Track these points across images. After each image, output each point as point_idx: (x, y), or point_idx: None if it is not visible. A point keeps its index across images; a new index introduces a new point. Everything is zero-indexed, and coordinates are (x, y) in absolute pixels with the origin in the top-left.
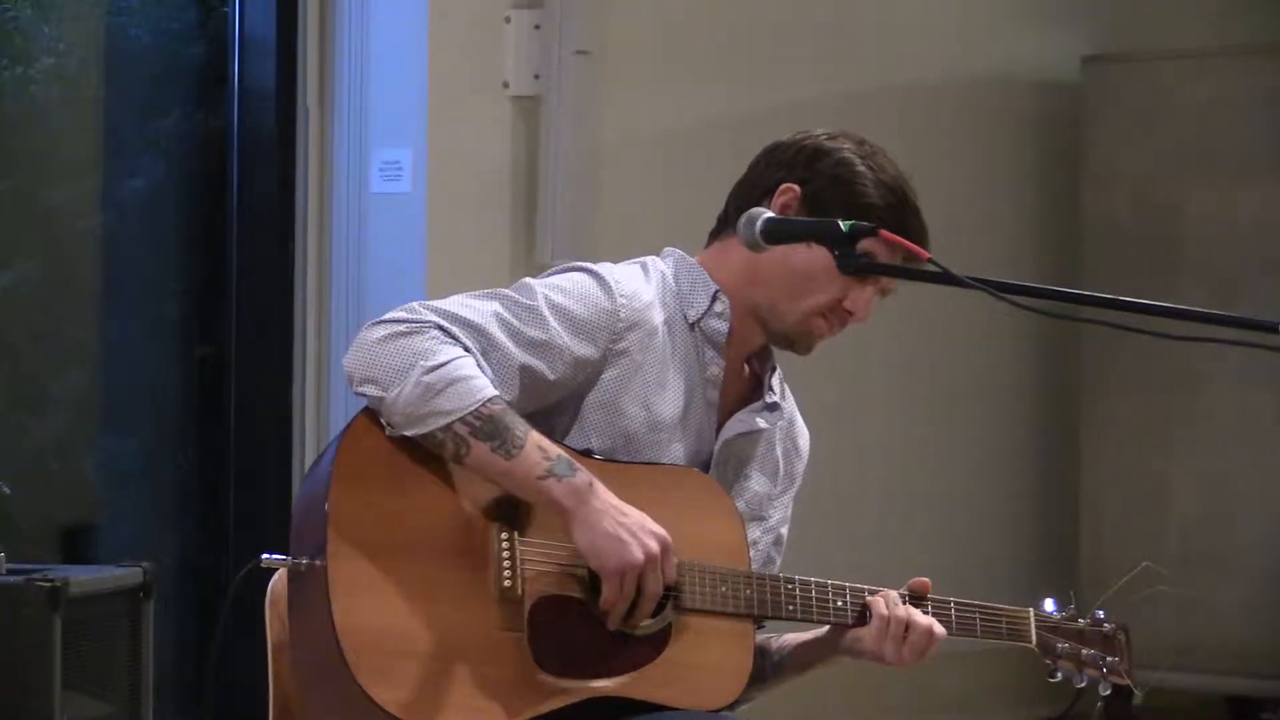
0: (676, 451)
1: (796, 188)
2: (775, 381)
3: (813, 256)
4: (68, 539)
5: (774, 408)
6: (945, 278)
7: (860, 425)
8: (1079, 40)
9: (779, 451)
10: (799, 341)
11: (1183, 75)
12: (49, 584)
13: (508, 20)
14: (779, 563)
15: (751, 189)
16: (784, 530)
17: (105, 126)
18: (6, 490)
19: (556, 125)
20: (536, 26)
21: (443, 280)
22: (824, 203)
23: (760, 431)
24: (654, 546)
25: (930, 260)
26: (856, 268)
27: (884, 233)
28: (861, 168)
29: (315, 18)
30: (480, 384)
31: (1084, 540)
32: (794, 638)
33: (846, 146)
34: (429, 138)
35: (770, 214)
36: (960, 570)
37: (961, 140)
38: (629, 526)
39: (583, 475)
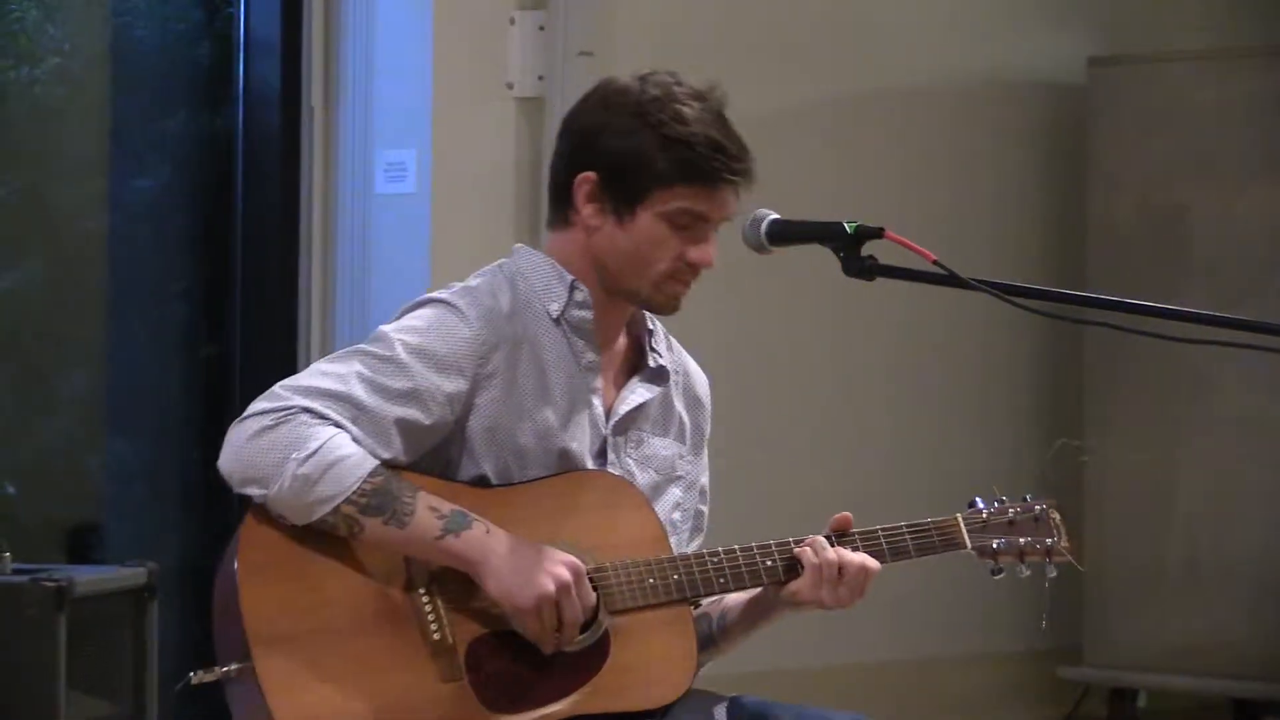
0: (573, 449)
1: (591, 175)
2: (659, 342)
3: (638, 230)
4: (73, 539)
5: (659, 371)
6: (950, 280)
7: (864, 427)
8: (1084, 42)
9: (680, 407)
10: (664, 306)
11: (1189, 77)
12: (54, 584)
13: (512, 22)
14: (707, 512)
15: (555, 178)
16: (704, 480)
17: (111, 127)
18: (12, 490)
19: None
20: (541, 28)
21: (447, 281)
22: (621, 180)
23: (648, 401)
24: (563, 574)
25: (935, 262)
26: (861, 270)
27: (889, 234)
28: (644, 123)
29: (320, 19)
30: (356, 461)
31: (1088, 543)
32: (735, 598)
33: (625, 98)
34: (433, 139)
35: (774, 216)
36: (965, 572)
37: (966, 142)
38: (535, 561)
39: (478, 526)
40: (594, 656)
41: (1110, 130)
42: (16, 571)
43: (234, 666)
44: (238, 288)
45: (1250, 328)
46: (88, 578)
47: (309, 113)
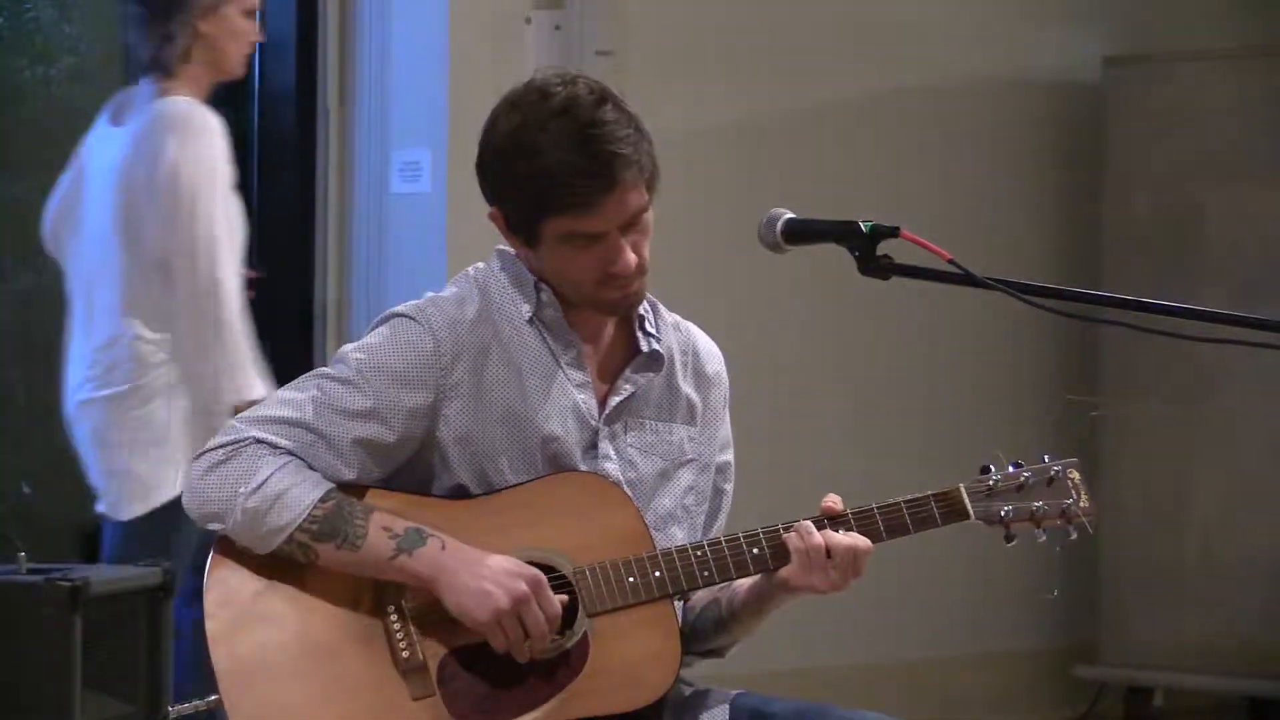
0: (558, 448)
1: (495, 210)
2: (659, 320)
3: (549, 255)
4: (88, 539)
5: (654, 356)
6: (966, 279)
7: (878, 427)
8: (1100, 42)
9: (687, 388)
10: (614, 308)
11: (1204, 77)
12: (69, 584)
13: (528, 21)
14: (730, 490)
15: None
16: (726, 457)
17: None
18: (27, 490)
19: None
20: (557, 27)
21: None
22: (512, 218)
23: (644, 389)
24: (519, 587)
25: (951, 261)
26: (877, 270)
27: (905, 233)
28: (511, 157)
29: (335, 19)
30: (303, 490)
31: (1104, 543)
32: (740, 583)
33: (496, 127)
34: (449, 138)
35: (790, 215)
36: (980, 572)
37: (982, 141)
38: (490, 575)
39: (433, 541)
40: (573, 661)
41: (1126, 130)
42: (32, 571)
43: (211, 698)
44: (253, 285)
45: (1267, 327)
46: (103, 577)
47: (324, 112)
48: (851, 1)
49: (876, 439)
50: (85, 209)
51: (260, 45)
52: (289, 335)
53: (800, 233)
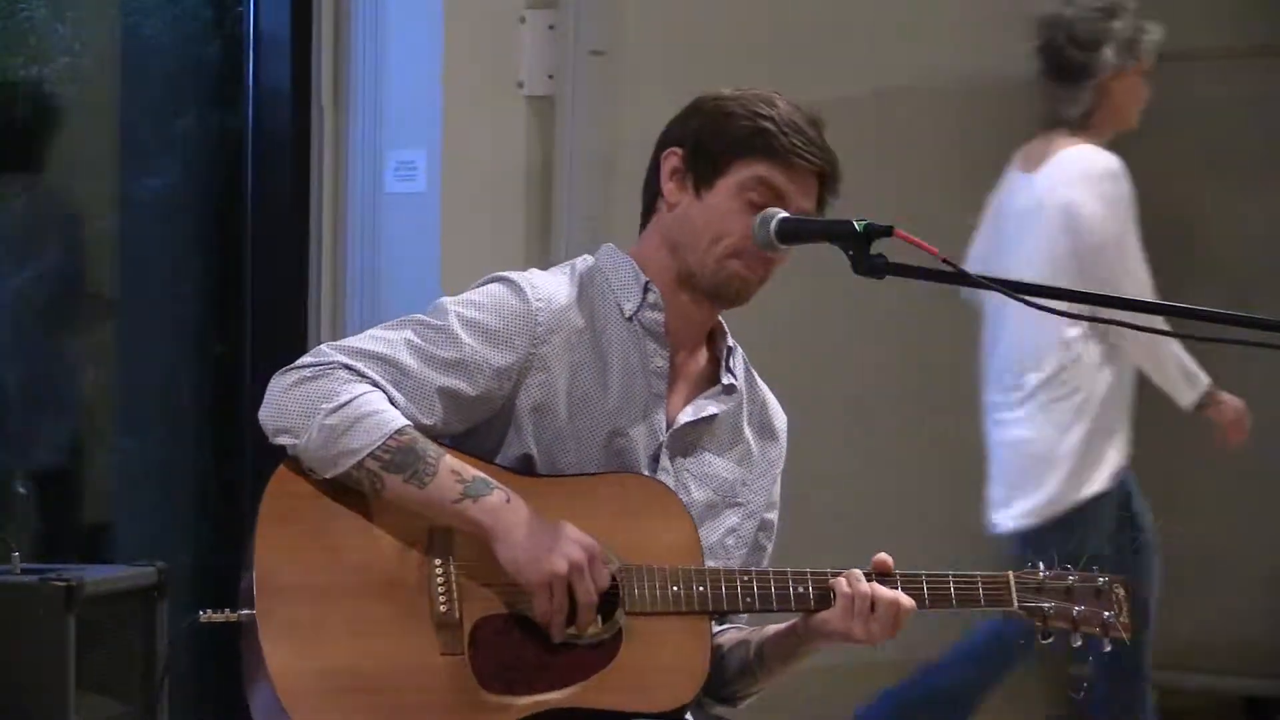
0: (625, 448)
1: (678, 150)
2: (736, 363)
3: (713, 202)
4: (83, 538)
5: (730, 389)
6: (960, 278)
7: (873, 429)
8: None
9: (749, 434)
10: (725, 288)
11: (1198, 77)
12: (64, 584)
13: (522, 20)
14: (769, 549)
15: (647, 174)
16: (771, 516)
17: (121, 126)
18: (22, 490)
19: (571, 125)
20: (551, 26)
21: (458, 280)
22: (705, 151)
23: (715, 416)
24: (578, 554)
25: (945, 260)
26: (871, 268)
27: (899, 232)
28: (732, 106)
29: (330, 18)
30: (385, 418)
31: None
32: (772, 629)
33: (720, 94)
34: (444, 138)
35: (783, 214)
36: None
37: (975, 140)
38: (550, 537)
39: (499, 493)
40: (602, 653)
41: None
42: (26, 571)
43: (243, 612)
44: (248, 287)
45: (1263, 326)
46: (97, 577)
47: (319, 112)
48: (844, 2)
49: (867, 439)
50: (1003, 248)
51: (255, 44)
52: (283, 334)
53: (794, 232)
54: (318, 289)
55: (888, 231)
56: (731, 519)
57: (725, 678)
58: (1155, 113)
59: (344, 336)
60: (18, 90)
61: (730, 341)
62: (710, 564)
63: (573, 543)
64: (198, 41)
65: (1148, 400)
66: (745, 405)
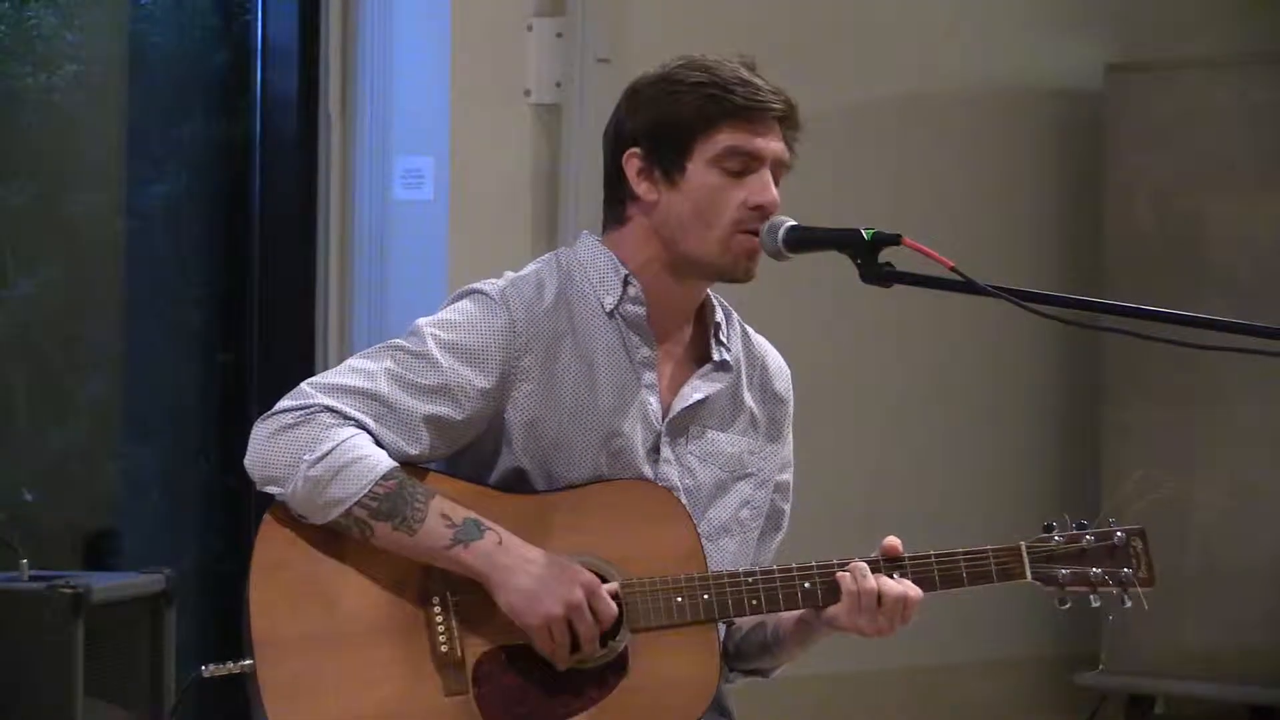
0: (622, 445)
1: (636, 149)
2: (731, 332)
3: (692, 186)
4: (90, 545)
5: (722, 366)
6: (968, 286)
7: (880, 434)
8: (1102, 48)
9: (750, 400)
10: (734, 267)
11: (1206, 84)
12: (71, 591)
13: (529, 28)
14: (788, 510)
15: (605, 176)
16: (785, 477)
17: (128, 133)
18: (29, 497)
19: (578, 133)
20: (558, 34)
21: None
22: (662, 141)
23: (709, 397)
24: (575, 595)
25: (953, 269)
26: (878, 277)
27: (907, 241)
28: (669, 86)
29: (338, 25)
30: (369, 464)
31: None
32: (786, 614)
33: (649, 78)
34: (451, 145)
35: (791, 223)
36: None
37: (984, 148)
38: (546, 578)
39: (490, 535)
40: (610, 675)
41: (1128, 137)
42: (34, 578)
43: (244, 662)
44: (255, 294)
45: (1268, 334)
46: (105, 585)
47: (326, 119)
48: (853, 8)
49: (878, 439)
50: None
51: (262, 52)
52: (290, 342)
53: (802, 241)
54: (325, 296)
55: (895, 240)
56: (744, 490)
57: (747, 656)
58: (1165, 120)
59: (350, 343)
60: (26, 98)
61: (719, 316)
62: (727, 541)
63: (569, 583)
64: (205, 50)
65: (1156, 408)
66: (744, 372)
